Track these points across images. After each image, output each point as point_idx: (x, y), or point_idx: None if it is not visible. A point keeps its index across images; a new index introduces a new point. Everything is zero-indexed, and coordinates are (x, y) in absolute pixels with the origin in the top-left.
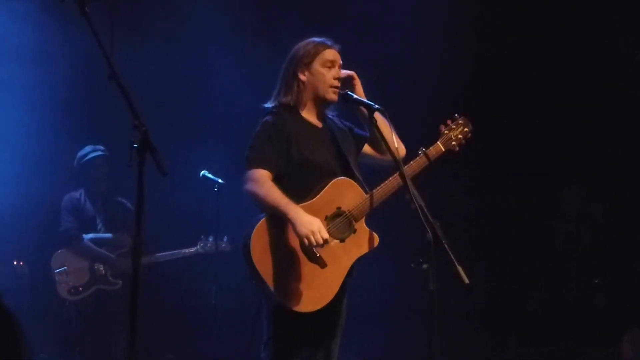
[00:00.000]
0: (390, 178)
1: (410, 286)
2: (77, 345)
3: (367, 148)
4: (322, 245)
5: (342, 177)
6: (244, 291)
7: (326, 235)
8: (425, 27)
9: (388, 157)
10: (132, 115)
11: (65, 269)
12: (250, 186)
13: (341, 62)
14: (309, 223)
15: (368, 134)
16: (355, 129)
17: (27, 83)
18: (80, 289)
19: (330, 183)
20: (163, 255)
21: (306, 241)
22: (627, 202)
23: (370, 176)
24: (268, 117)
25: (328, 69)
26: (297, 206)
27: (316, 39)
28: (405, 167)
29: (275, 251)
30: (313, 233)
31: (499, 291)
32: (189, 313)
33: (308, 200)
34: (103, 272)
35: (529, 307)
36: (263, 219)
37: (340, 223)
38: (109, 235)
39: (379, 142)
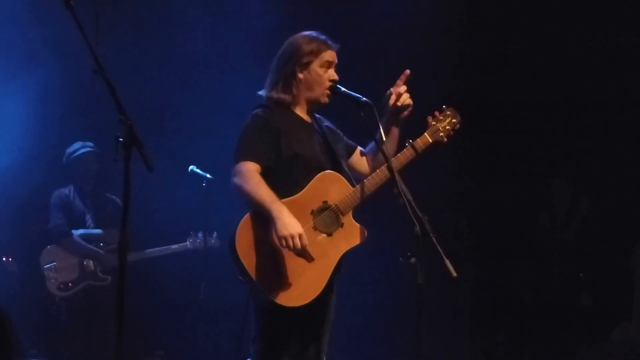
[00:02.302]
0: (377, 171)
1: (398, 280)
2: (66, 340)
3: (355, 160)
4: (299, 251)
5: (328, 171)
6: (232, 287)
7: (305, 243)
8: (414, 20)
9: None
10: (117, 110)
11: (54, 265)
12: (236, 180)
13: (337, 61)
14: (291, 226)
15: (356, 145)
16: (345, 138)
17: (12, 79)
18: (70, 284)
19: (316, 177)
20: (152, 251)
21: (284, 243)
22: (616, 198)
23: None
24: (258, 110)
25: (325, 70)
26: (283, 205)
27: (318, 37)
28: (392, 159)
29: (261, 246)
30: (292, 237)
31: (487, 285)
32: (178, 309)
33: (294, 195)
34: (92, 268)
35: (518, 301)
36: (248, 215)
37: (327, 217)
38: (98, 231)
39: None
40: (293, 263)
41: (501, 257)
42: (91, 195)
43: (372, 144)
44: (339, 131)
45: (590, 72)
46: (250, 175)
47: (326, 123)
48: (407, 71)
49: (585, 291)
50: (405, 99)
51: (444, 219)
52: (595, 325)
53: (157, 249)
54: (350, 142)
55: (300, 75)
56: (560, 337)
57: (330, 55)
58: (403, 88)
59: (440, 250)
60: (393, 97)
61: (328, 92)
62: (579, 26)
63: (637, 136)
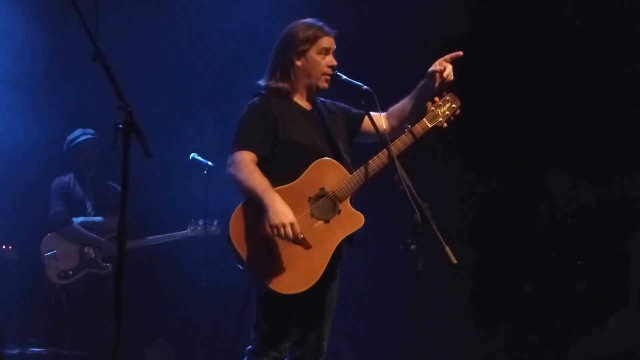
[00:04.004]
0: (375, 157)
1: (398, 267)
2: (66, 329)
3: (368, 125)
4: (293, 240)
5: (325, 158)
6: (234, 274)
7: (298, 231)
8: (414, 8)
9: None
10: (116, 96)
11: (55, 253)
12: (231, 169)
13: (335, 47)
14: (283, 214)
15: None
16: (353, 109)
17: (12, 67)
18: (70, 272)
19: (312, 164)
20: (153, 238)
21: (276, 231)
22: (612, 187)
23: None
24: (255, 100)
25: (323, 57)
26: (276, 193)
27: (315, 23)
28: (390, 145)
29: (257, 235)
30: (284, 225)
31: (486, 273)
32: (179, 297)
33: (291, 183)
34: (93, 255)
35: (518, 289)
36: (242, 203)
37: (324, 204)
38: (99, 218)
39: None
40: (289, 250)
41: (500, 246)
42: (92, 183)
43: (395, 105)
44: (345, 107)
45: (587, 62)
46: (244, 164)
47: (329, 106)
48: (460, 52)
49: (583, 279)
50: (450, 72)
51: (443, 208)
52: (593, 312)
53: (158, 236)
54: (358, 111)
55: (298, 63)
56: (558, 324)
57: (327, 41)
58: (450, 66)
59: (440, 237)
60: (438, 76)
61: (327, 77)
62: (576, 16)
63: (634, 125)
